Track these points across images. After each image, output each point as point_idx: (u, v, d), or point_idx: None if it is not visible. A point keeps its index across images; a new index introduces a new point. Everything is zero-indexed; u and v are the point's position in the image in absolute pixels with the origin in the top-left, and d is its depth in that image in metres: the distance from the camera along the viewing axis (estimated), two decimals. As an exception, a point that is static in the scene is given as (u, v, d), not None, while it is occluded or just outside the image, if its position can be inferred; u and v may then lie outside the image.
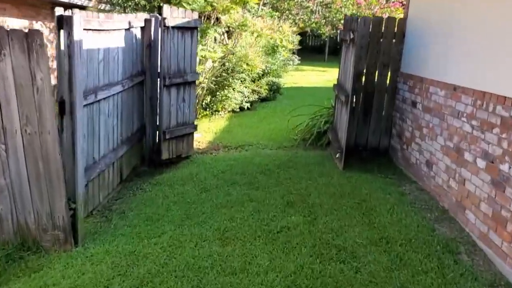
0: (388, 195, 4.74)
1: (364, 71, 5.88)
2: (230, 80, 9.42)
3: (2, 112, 3.33)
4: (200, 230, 3.94)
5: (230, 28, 10.04)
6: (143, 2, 8.94)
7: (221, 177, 5.37)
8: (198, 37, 8.12)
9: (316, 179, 5.25)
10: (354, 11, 17.23)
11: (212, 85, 9.13)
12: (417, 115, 5.30)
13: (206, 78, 8.87)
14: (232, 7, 8.73)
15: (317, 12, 19.96)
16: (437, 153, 4.70)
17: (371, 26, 5.74)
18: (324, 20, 19.92)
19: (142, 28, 5.55)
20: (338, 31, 13.04)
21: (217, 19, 9.32)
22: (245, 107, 9.95)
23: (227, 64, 9.32)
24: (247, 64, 9.45)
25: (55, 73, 3.77)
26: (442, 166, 4.56)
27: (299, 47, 17.19)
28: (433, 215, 4.28)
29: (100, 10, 9.63)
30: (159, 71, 5.72)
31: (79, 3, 9.62)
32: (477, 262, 3.46)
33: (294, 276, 3.22)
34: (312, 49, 27.31)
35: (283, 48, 11.79)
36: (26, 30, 3.25)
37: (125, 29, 5.05)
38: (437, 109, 4.78)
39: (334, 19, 19.23)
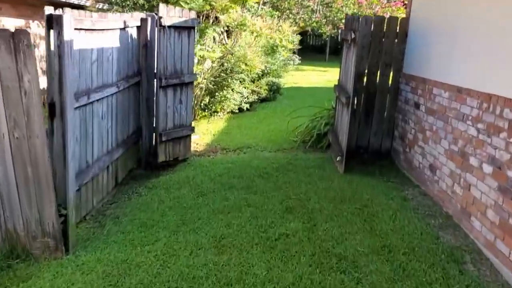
0: (391, 200, 4.60)
1: (366, 71, 5.74)
2: (229, 81, 9.27)
3: (-12, 115, 3.20)
4: (195, 237, 3.80)
5: (230, 28, 9.89)
6: (141, 1, 8.78)
7: (218, 180, 5.24)
8: (197, 37, 8.00)
9: (316, 183, 5.11)
10: (355, 11, 17.08)
11: (210, 86, 8.99)
12: (420, 117, 5.16)
13: (205, 79, 8.73)
14: (231, 6, 8.58)
15: (317, 12, 19.80)
16: (440, 157, 4.56)
17: (372, 25, 5.61)
18: (325, 20, 19.75)
19: (138, 27, 5.41)
20: (339, 31, 12.91)
21: (216, 18, 9.18)
22: (244, 108, 9.79)
23: (226, 64, 9.18)
24: (246, 64, 9.30)
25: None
26: (446, 171, 4.41)
27: (300, 47, 17.04)
28: (437, 221, 4.14)
29: (99, 10, 9.49)
30: (155, 71, 5.59)
31: (76, 2, 9.49)
32: (483, 272, 3.32)
33: (293, 287, 3.08)
34: (312, 48, 27.19)
35: (283, 48, 11.63)
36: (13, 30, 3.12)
37: (121, 29, 4.91)
38: (441, 111, 4.64)
39: (335, 18, 19.07)
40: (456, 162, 4.22)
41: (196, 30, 6.50)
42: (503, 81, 3.54)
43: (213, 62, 8.77)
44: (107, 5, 9.79)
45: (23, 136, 3.28)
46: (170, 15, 5.44)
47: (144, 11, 7.75)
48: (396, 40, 5.68)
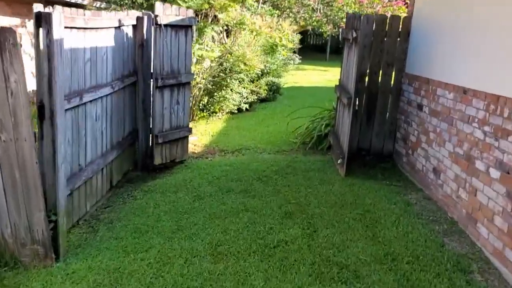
0: (393, 205, 4.45)
1: (367, 71, 5.61)
2: (228, 81, 9.11)
3: (-27, 117, 3.05)
4: (191, 244, 3.66)
5: (229, 27, 9.74)
6: (140, 0, 8.64)
7: (215, 183, 5.09)
8: (195, 36, 7.84)
9: (316, 186, 4.96)
10: (356, 10, 16.91)
11: (209, 86, 8.84)
12: (423, 119, 5.01)
13: (204, 79, 8.58)
14: (230, 4, 8.43)
15: (318, 10, 19.63)
16: (445, 160, 4.41)
17: (374, 24, 5.48)
18: (326, 19, 19.58)
19: (134, 26, 5.27)
20: (340, 30, 12.75)
21: (215, 17, 9.03)
22: (244, 109, 9.63)
23: (225, 64, 9.02)
24: (245, 64, 9.15)
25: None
26: (450, 175, 4.27)
27: (300, 46, 16.87)
28: (441, 227, 3.99)
29: (98, 8, 9.35)
30: (152, 71, 5.45)
31: (73, 0, 9.35)
32: (491, 282, 3.17)
33: (292, 298, 2.95)
34: (313, 48, 27.06)
35: (283, 47, 11.46)
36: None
37: (115, 28, 4.77)
38: (445, 113, 4.49)
39: (336, 17, 18.89)
40: (461, 166, 4.07)
41: (194, 29, 6.35)
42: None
43: (212, 61, 8.62)
44: (105, 3, 9.66)
45: (10, 138, 3.14)
46: (166, 14, 5.30)
47: (142, 10, 7.61)
48: (398, 40, 5.54)
